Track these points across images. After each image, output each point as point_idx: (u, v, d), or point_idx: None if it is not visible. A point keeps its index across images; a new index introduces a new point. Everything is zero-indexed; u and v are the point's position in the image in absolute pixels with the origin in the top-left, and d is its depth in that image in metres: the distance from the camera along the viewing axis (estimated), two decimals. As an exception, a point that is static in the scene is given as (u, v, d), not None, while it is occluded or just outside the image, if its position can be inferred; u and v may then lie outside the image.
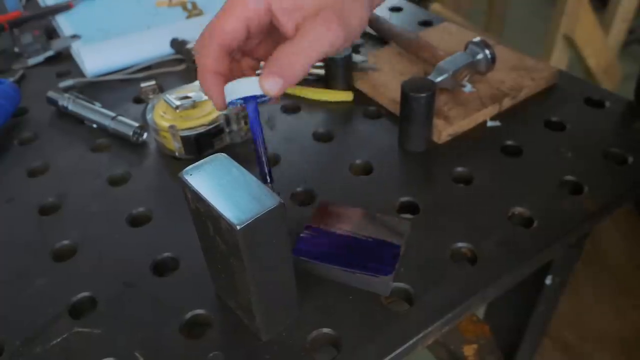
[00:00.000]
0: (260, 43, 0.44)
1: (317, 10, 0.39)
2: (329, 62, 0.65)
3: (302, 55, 0.39)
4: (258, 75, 0.40)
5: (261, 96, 0.41)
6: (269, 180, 0.44)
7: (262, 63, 0.46)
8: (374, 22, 0.76)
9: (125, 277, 0.45)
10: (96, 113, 0.63)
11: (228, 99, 0.41)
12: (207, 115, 0.57)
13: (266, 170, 0.43)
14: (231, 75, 0.42)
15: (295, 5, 0.39)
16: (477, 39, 0.62)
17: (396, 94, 0.56)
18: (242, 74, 0.44)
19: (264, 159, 0.43)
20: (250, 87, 0.40)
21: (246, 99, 0.41)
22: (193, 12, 0.84)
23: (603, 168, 0.53)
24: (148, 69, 0.75)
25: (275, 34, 0.42)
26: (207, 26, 0.41)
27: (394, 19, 0.83)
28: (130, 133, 0.60)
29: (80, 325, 0.41)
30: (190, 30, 0.78)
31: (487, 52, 0.61)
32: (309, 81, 0.69)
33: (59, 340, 0.40)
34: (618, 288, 0.75)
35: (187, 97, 0.58)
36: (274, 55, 0.39)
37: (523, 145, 0.56)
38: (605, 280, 0.77)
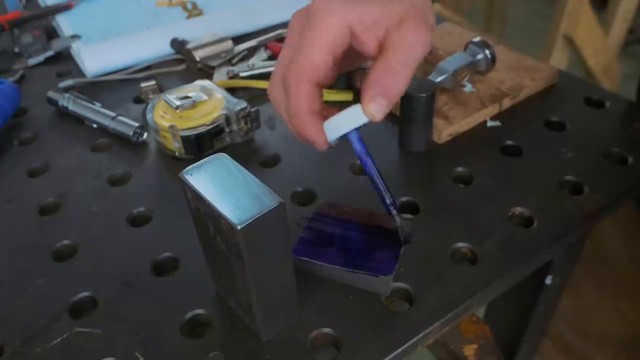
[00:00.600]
0: None
1: (398, 20, 0.36)
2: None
3: (402, 69, 0.36)
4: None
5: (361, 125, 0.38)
6: (395, 212, 0.42)
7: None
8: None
9: (125, 277, 0.45)
10: (96, 113, 0.63)
11: (332, 137, 0.39)
12: (207, 115, 0.57)
13: (389, 202, 0.42)
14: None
15: (376, 19, 0.36)
16: (477, 39, 0.62)
17: (396, 94, 0.56)
18: None
19: (382, 189, 0.41)
20: (353, 118, 0.37)
21: (347, 133, 0.39)
22: (193, 12, 0.84)
23: (603, 168, 0.53)
24: (148, 69, 0.75)
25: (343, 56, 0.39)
26: (289, 63, 0.37)
27: (394, 19, 0.83)
28: (131, 133, 0.60)
29: (80, 325, 0.41)
30: (190, 30, 0.78)
31: (487, 52, 0.61)
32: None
33: (59, 340, 0.40)
34: (620, 288, 0.75)
35: (187, 97, 0.58)
36: (372, 76, 0.36)
37: (523, 145, 0.56)
38: (607, 280, 0.76)
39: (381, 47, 0.37)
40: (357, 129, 0.39)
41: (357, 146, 0.40)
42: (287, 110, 0.39)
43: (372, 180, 0.42)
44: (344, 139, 0.40)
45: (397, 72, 0.36)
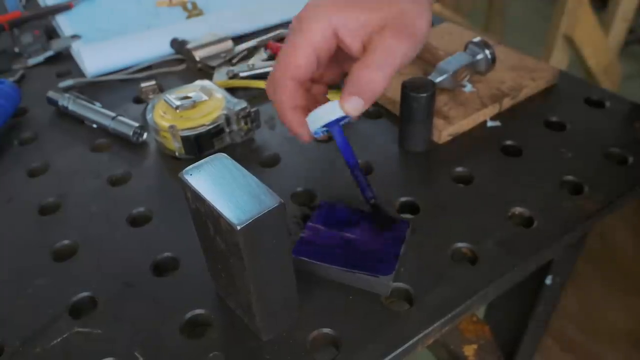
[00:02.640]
0: (327, 68, 0.44)
1: (382, 25, 0.38)
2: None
3: (378, 71, 0.38)
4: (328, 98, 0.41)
5: (342, 118, 0.41)
6: (373, 199, 0.45)
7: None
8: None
9: (125, 277, 0.45)
10: (96, 113, 0.63)
11: (312, 128, 0.42)
12: (207, 115, 0.57)
13: (368, 193, 0.45)
14: (307, 105, 0.42)
15: (360, 24, 0.39)
16: (477, 39, 0.62)
17: (396, 94, 0.56)
18: (315, 101, 0.44)
19: (362, 179, 0.45)
20: (332, 111, 0.40)
21: (329, 125, 0.42)
22: (193, 12, 0.84)
23: (603, 168, 0.53)
24: (148, 69, 0.75)
25: (340, 56, 0.42)
26: (277, 63, 0.41)
27: (394, 19, 0.83)
28: (130, 133, 0.60)
29: (80, 325, 0.41)
30: (190, 30, 0.78)
31: (487, 52, 0.61)
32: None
33: (59, 340, 0.40)
34: (629, 285, 0.75)
35: (187, 97, 0.58)
36: (351, 76, 0.39)
37: (523, 145, 0.56)
38: (615, 276, 0.76)
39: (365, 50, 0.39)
40: (339, 123, 0.42)
41: (338, 138, 0.43)
42: (276, 105, 0.42)
43: (352, 171, 0.45)
44: (328, 132, 0.43)
45: (373, 73, 0.38)
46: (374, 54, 0.38)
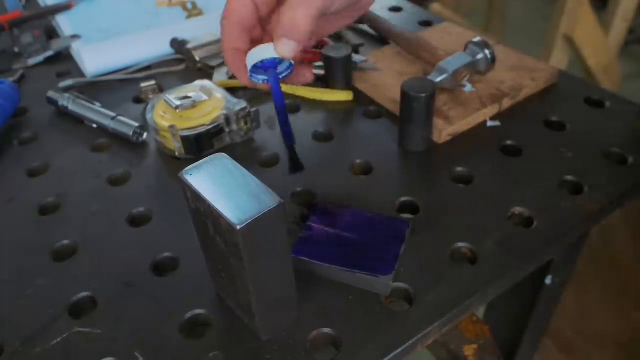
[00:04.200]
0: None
1: None
2: (328, 62, 0.65)
3: (299, 11, 0.40)
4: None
5: (282, 69, 0.43)
6: (293, 141, 0.47)
7: None
8: (374, 22, 0.76)
9: (125, 277, 0.45)
10: (96, 113, 0.63)
11: (249, 66, 0.43)
12: (207, 115, 0.57)
13: (290, 137, 0.46)
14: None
15: None
16: (477, 39, 0.62)
17: (396, 94, 0.56)
18: None
19: (286, 123, 0.45)
20: (265, 51, 0.42)
21: (265, 66, 0.43)
22: (193, 12, 0.84)
23: (603, 168, 0.53)
24: (148, 69, 0.75)
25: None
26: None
27: (394, 19, 0.83)
28: (130, 133, 0.60)
29: (80, 325, 0.41)
30: (190, 30, 0.78)
31: (487, 52, 0.61)
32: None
33: (59, 340, 0.40)
34: (626, 289, 0.75)
35: (187, 97, 0.58)
36: (279, 20, 0.41)
37: (523, 145, 0.56)
38: (614, 280, 0.76)
39: None
40: (275, 66, 0.43)
41: (272, 81, 0.44)
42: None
43: (278, 114, 0.45)
44: (266, 81, 0.44)
45: (294, 13, 0.40)
46: None
